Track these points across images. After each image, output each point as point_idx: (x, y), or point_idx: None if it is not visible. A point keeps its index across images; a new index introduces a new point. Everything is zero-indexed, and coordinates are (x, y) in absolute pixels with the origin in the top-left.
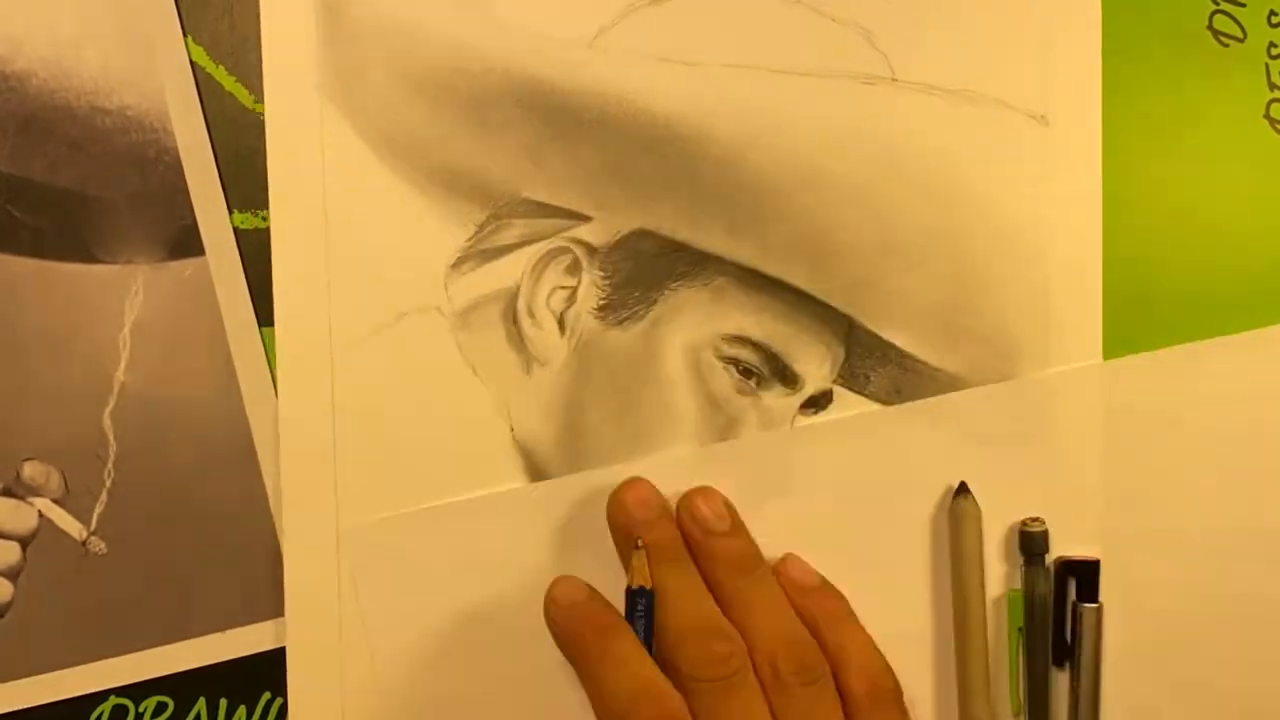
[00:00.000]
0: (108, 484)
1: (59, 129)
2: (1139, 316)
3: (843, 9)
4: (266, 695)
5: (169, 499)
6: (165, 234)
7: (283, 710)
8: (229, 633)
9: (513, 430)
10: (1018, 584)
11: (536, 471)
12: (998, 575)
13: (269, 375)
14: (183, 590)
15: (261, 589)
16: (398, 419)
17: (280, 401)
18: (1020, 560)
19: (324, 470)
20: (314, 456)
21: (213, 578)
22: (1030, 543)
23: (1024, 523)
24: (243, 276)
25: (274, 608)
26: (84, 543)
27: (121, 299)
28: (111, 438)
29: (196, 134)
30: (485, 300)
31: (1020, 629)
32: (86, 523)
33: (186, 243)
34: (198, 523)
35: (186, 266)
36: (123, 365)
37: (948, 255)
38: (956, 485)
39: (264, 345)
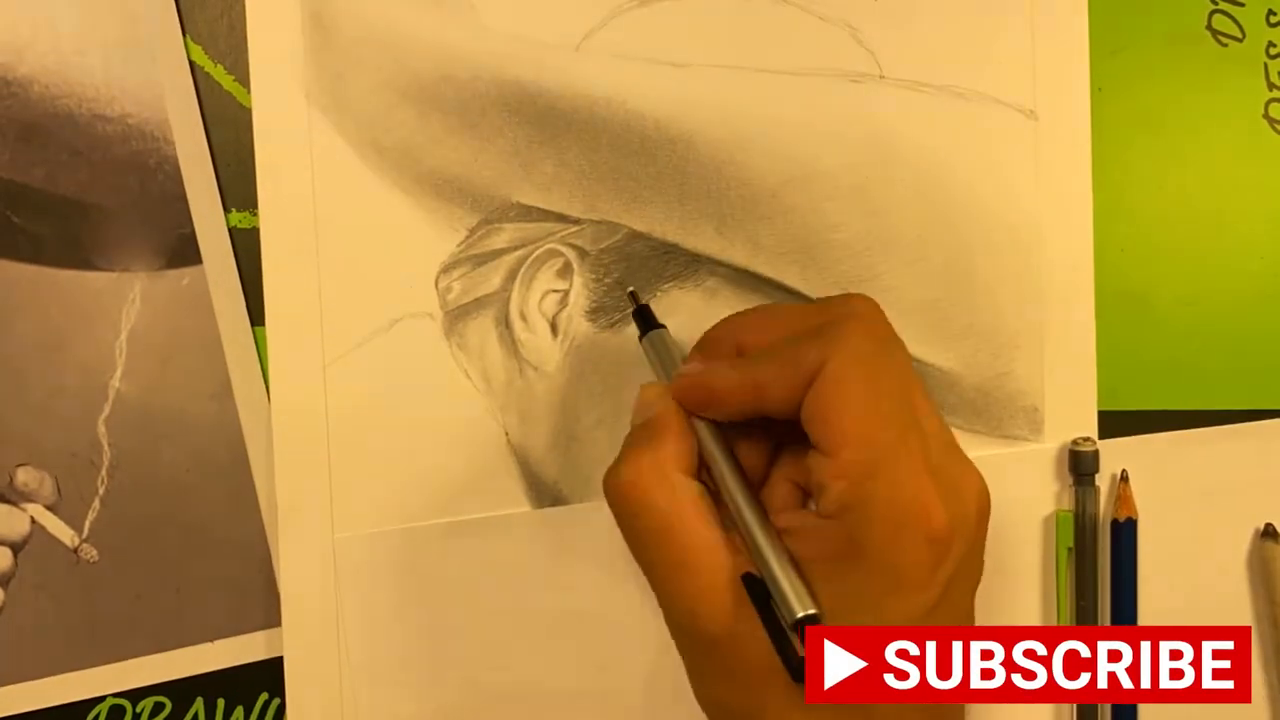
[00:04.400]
0: (101, 491)
1: (60, 136)
2: (1133, 316)
3: (829, 7)
4: (264, 696)
5: (162, 507)
6: (163, 242)
7: (280, 710)
8: (219, 643)
9: (507, 434)
10: (1068, 504)
11: (531, 475)
12: (1049, 494)
13: (263, 385)
14: (175, 599)
15: (254, 598)
16: (391, 425)
17: (273, 409)
18: (1070, 480)
19: (318, 478)
20: (308, 464)
21: (205, 587)
22: (1080, 462)
23: (1074, 442)
24: (239, 286)
25: (267, 617)
26: (76, 550)
27: (118, 307)
28: (106, 445)
29: (197, 143)
30: (477, 305)
31: (1070, 549)
32: (79, 530)
33: (184, 251)
34: (190, 531)
35: (183, 275)
36: (118, 373)
37: (939, 252)
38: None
39: (259, 355)
